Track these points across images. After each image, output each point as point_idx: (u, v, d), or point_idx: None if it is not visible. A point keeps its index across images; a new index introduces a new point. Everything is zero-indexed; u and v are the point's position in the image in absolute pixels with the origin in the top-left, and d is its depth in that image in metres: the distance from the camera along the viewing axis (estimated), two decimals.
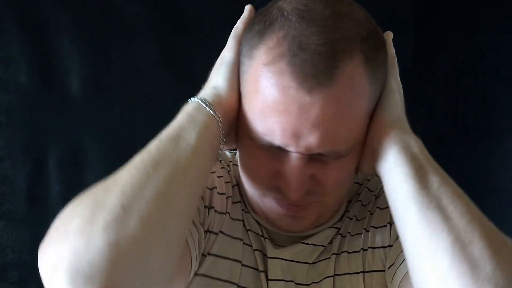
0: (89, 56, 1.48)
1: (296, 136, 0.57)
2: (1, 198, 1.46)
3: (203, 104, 0.60)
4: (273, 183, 0.63)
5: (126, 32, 1.50)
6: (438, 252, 0.50)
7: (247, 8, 0.70)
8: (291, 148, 0.58)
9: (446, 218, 0.52)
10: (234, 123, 0.64)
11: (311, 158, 0.60)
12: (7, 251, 1.46)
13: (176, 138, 0.55)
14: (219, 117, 0.59)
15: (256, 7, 0.70)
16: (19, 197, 1.46)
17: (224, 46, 0.69)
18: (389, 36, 0.67)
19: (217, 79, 0.64)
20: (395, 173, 0.57)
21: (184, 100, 0.62)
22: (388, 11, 1.53)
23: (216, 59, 0.69)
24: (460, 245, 0.50)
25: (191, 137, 0.56)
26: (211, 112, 0.59)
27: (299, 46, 0.55)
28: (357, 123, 0.60)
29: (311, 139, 0.57)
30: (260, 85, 0.58)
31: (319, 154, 0.59)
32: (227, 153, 0.78)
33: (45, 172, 1.48)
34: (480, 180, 1.50)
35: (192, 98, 0.62)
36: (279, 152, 0.60)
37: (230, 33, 0.69)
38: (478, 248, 0.49)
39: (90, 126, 1.49)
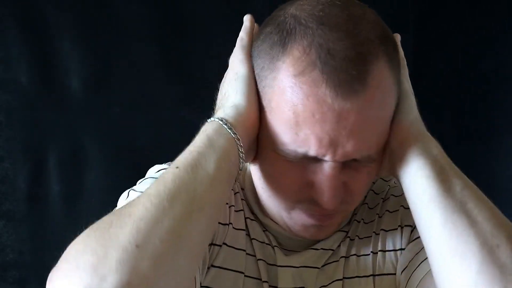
0: (89, 56, 1.48)
1: (333, 145, 0.56)
2: (1, 198, 1.46)
3: (225, 126, 0.58)
4: (303, 194, 0.62)
5: (126, 32, 1.50)
6: (466, 256, 0.50)
7: (247, 18, 0.68)
8: (327, 158, 0.57)
9: (472, 222, 0.52)
10: (254, 139, 0.63)
11: (344, 165, 0.59)
12: (7, 251, 1.46)
13: (194, 166, 0.54)
14: (239, 141, 0.58)
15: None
16: (19, 197, 1.46)
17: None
18: (397, 38, 0.66)
19: (236, 96, 0.61)
20: (417, 176, 0.57)
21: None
22: (388, 11, 1.53)
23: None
24: (488, 249, 0.50)
25: (209, 166, 0.54)
26: (232, 134, 0.58)
27: (328, 53, 0.55)
28: (386, 125, 0.60)
29: (348, 147, 0.56)
30: (291, 96, 0.56)
31: (354, 160, 0.59)
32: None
33: (45, 172, 1.48)
34: (480, 180, 1.49)
35: (212, 118, 0.60)
36: (310, 163, 0.59)
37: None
38: (506, 252, 0.50)
39: (90, 126, 1.49)
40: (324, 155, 0.57)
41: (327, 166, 0.58)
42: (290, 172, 0.61)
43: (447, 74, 1.59)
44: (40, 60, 1.46)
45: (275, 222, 0.69)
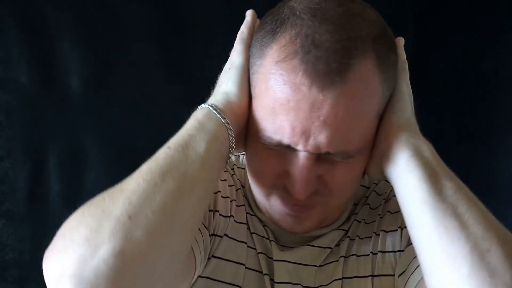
0: (89, 56, 1.48)
1: (305, 134, 0.56)
2: (1, 197, 1.46)
3: (214, 111, 0.59)
4: (279, 182, 0.63)
5: (126, 32, 1.50)
6: (456, 260, 0.50)
7: (249, 12, 0.69)
8: (299, 147, 0.58)
9: (463, 225, 0.52)
10: (244, 127, 0.64)
11: (320, 157, 0.59)
12: (7, 250, 1.46)
13: (185, 147, 0.55)
14: (229, 125, 0.59)
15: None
16: (19, 196, 1.47)
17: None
18: (400, 41, 0.66)
19: (228, 84, 0.63)
20: (408, 178, 0.57)
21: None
22: (388, 11, 1.53)
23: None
24: (479, 253, 0.50)
25: (200, 146, 0.55)
26: (222, 119, 0.59)
27: (312, 43, 0.55)
28: (367, 123, 0.60)
29: (320, 138, 0.56)
30: (271, 82, 0.57)
31: (328, 154, 0.59)
32: (232, 156, 0.78)
33: (45, 172, 1.48)
34: (480, 180, 1.50)
35: (202, 104, 0.61)
36: (287, 152, 0.60)
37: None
38: (496, 256, 0.50)
39: (90, 126, 1.49)
40: (296, 144, 0.58)
41: (301, 156, 0.58)
42: (269, 159, 0.61)
43: (447, 74, 1.59)
44: (40, 60, 1.46)
45: (264, 214, 0.70)
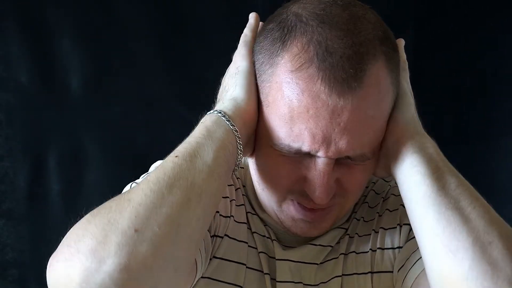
0: (89, 56, 1.48)
1: (326, 141, 0.57)
2: (1, 197, 1.46)
3: (223, 118, 0.59)
4: (295, 187, 0.63)
5: (126, 32, 1.50)
6: (458, 252, 0.51)
7: (252, 15, 0.70)
8: (320, 154, 0.58)
9: (465, 219, 0.52)
10: (252, 133, 0.64)
11: (338, 162, 0.60)
12: (7, 250, 1.46)
13: (193, 155, 0.55)
14: (237, 132, 0.59)
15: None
16: (19, 196, 1.46)
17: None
18: (401, 42, 0.67)
19: (235, 89, 0.63)
20: (412, 173, 0.57)
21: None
22: (387, 12, 1.52)
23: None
24: (480, 246, 0.50)
25: (208, 155, 0.55)
26: (230, 126, 0.59)
27: (326, 50, 0.56)
28: (381, 124, 0.61)
29: (341, 144, 0.57)
30: (286, 91, 0.57)
31: (347, 158, 0.60)
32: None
33: (45, 171, 1.48)
34: (479, 180, 1.49)
35: (211, 110, 0.61)
36: (304, 158, 0.60)
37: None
38: (498, 249, 0.50)
39: (90, 125, 1.49)
40: (317, 151, 0.58)
41: (320, 162, 0.59)
42: (285, 166, 0.61)
43: (446, 74, 1.59)
44: (40, 60, 1.46)
45: (272, 218, 0.70)
